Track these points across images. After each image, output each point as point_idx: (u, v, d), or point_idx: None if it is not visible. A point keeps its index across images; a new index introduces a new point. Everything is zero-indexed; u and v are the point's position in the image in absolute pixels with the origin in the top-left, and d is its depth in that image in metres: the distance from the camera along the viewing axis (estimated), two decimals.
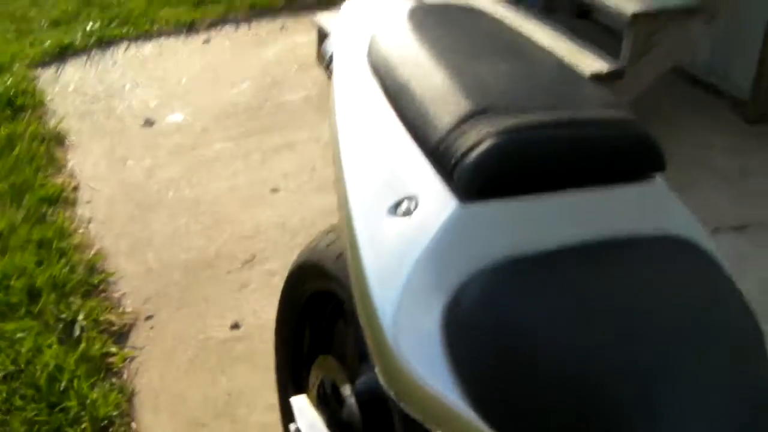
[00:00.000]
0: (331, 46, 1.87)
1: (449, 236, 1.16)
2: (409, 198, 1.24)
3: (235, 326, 3.01)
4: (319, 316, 2.13)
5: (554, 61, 1.47)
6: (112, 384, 2.79)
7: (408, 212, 1.22)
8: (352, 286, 1.29)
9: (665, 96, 4.18)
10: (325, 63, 1.88)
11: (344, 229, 1.34)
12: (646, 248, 1.22)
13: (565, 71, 1.44)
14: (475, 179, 1.17)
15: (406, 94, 1.37)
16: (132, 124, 4.33)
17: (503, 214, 1.18)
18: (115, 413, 2.69)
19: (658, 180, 1.28)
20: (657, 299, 1.14)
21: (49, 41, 5.16)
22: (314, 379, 2.05)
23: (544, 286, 1.14)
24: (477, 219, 1.17)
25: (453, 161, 1.20)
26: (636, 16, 3.58)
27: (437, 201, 1.20)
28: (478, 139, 1.19)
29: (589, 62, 3.62)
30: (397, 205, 1.24)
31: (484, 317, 1.12)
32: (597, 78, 3.52)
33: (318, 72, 4.74)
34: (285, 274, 3.16)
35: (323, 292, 2.02)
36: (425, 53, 1.44)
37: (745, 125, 4.11)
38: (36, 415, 2.65)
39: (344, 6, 1.90)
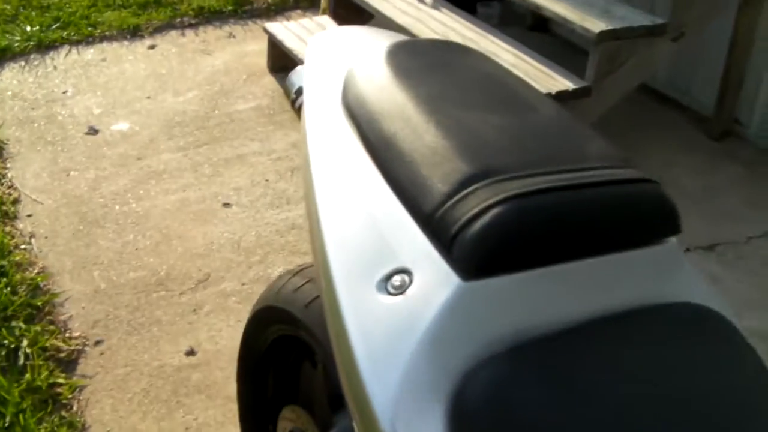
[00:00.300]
0: (299, 79, 1.72)
1: (450, 318, 1.03)
2: (402, 272, 1.09)
3: (191, 352, 2.85)
4: (283, 361, 1.99)
5: (552, 108, 1.34)
6: (61, 418, 2.61)
7: (401, 288, 1.07)
8: (338, 370, 1.15)
9: (627, 111, 4.10)
10: (292, 98, 1.74)
11: (325, 299, 1.19)
12: (665, 319, 1.10)
13: (565, 121, 1.31)
14: (478, 255, 1.04)
15: (392, 150, 1.22)
16: (75, 132, 4.13)
17: (509, 291, 1.05)
18: None
19: (672, 243, 1.16)
20: (686, 382, 1.02)
21: None
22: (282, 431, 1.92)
23: (558, 373, 1.01)
24: (481, 298, 1.04)
25: (451, 233, 1.06)
26: (602, 35, 3.49)
27: (435, 277, 1.06)
28: (480, 209, 1.06)
29: (554, 81, 3.52)
30: (388, 278, 1.09)
31: (493, 412, 0.99)
32: (563, 97, 3.43)
33: (268, 81, 4.60)
34: (241, 295, 3.06)
35: (288, 336, 1.88)
36: (410, 102, 1.30)
37: (708, 142, 4.06)
38: None
39: (314, 38, 1.76)
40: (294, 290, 1.76)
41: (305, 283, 1.76)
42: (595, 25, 3.53)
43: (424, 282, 1.06)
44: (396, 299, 1.07)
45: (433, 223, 1.09)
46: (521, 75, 3.52)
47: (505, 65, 3.38)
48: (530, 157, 1.16)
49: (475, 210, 1.06)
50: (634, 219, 1.13)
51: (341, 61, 1.54)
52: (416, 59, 1.46)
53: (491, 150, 1.17)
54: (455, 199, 1.09)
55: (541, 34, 4.72)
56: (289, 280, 1.81)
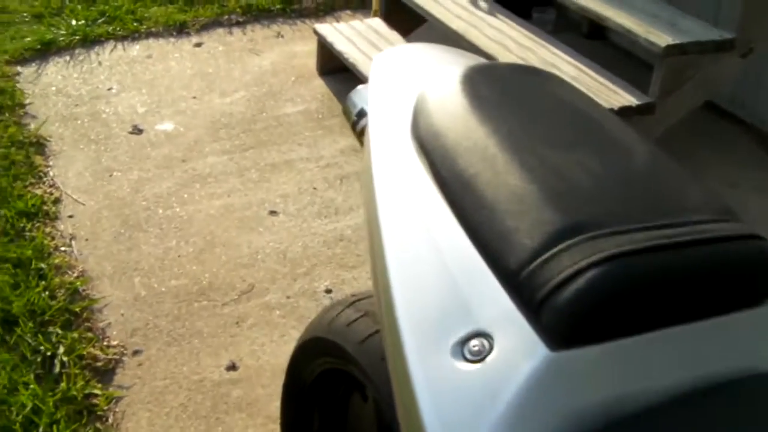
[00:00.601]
0: (361, 99, 1.60)
1: (535, 392, 0.91)
2: (481, 335, 0.97)
3: (232, 367, 2.74)
4: (331, 394, 1.87)
5: (648, 149, 1.20)
6: (96, 430, 2.52)
7: (480, 355, 0.96)
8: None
9: (687, 127, 3.95)
10: (353, 120, 1.61)
11: (391, 359, 1.08)
12: None
13: (663, 164, 1.18)
14: (570, 322, 0.92)
15: (471, 194, 1.10)
16: (119, 131, 4.04)
17: (602, 363, 0.94)
18: None
19: None
20: None
21: (30, 36, 4.86)
22: None
23: None
24: (570, 370, 0.92)
25: (540, 297, 0.94)
26: (668, 49, 3.34)
27: (519, 344, 0.94)
28: (573, 270, 0.94)
29: (617, 96, 3.38)
30: (465, 342, 0.98)
31: None
32: (626, 113, 3.28)
33: (318, 84, 4.49)
34: (285, 308, 2.94)
35: (338, 369, 1.76)
36: (491, 137, 1.17)
37: None
38: None
39: (379, 55, 1.63)
40: (347, 324, 1.65)
41: (360, 317, 1.64)
42: (661, 38, 3.39)
43: (506, 349, 0.94)
44: (474, 367, 0.95)
45: (519, 283, 0.97)
46: (582, 88, 3.40)
47: (566, 78, 3.26)
48: (627, 208, 1.04)
49: (568, 272, 0.94)
50: (741, 280, 1.01)
51: (410, 83, 1.41)
52: (495, 86, 1.32)
53: (584, 199, 1.04)
54: (545, 257, 0.97)
55: (598, 43, 4.57)
56: (342, 312, 1.69)
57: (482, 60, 1.58)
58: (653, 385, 0.94)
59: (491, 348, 0.95)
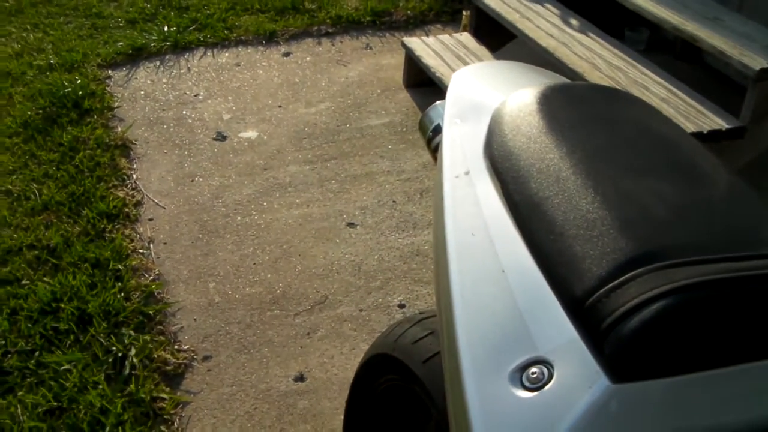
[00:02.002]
0: (437, 116, 1.56)
1: (594, 425, 0.86)
2: (541, 363, 0.93)
3: (300, 378, 2.72)
4: (394, 411, 1.83)
5: (728, 178, 1.15)
6: None
7: (538, 383, 0.91)
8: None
9: None
10: (428, 136, 1.58)
11: (448, 381, 1.05)
12: None
13: (743, 195, 1.12)
14: (634, 354, 0.88)
15: (540, 218, 1.06)
16: (203, 137, 4.07)
17: (666, 398, 0.88)
18: None
19: None
20: None
21: (122, 41, 4.94)
22: None
23: None
24: (632, 403, 0.87)
25: (605, 326, 0.90)
26: (763, 72, 3.23)
27: (580, 374, 0.89)
28: (640, 300, 0.90)
29: (706, 119, 3.28)
30: (524, 369, 0.93)
31: None
32: (715, 136, 3.19)
33: (403, 97, 4.46)
34: (357, 321, 2.91)
35: (401, 387, 1.72)
36: (565, 160, 1.12)
37: None
38: None
39: (458, 72, 1.59)
40: (413, 342, 1.61)
41: (426, 335, 1.60)
42: (755, 61, 3.28)
43: (566, 378, 0.90)
44: (532, 395, 0.91)
45: (583, 311, 0.92)
46: (671, 110, 3.32)
47: (655, 99, 3.19)
48: (702, 238, 0.98)
49: (635, 301, 0.89)
50: None
51: (487, 102, 1.36)
52: (573, 107, 1.28)
53: (657, 227, 0.99)
54: (612, 285, 0.92)
55: (692, 64, 4.46)
56: (408, 330, 1.66)
57: (563, 79, 1.54)
58: (719, 425, 0.88)
59: (551, 376, 0.91)
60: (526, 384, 0.92)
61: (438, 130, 1.54)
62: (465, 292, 1.06)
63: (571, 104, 1.30)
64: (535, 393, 0.91)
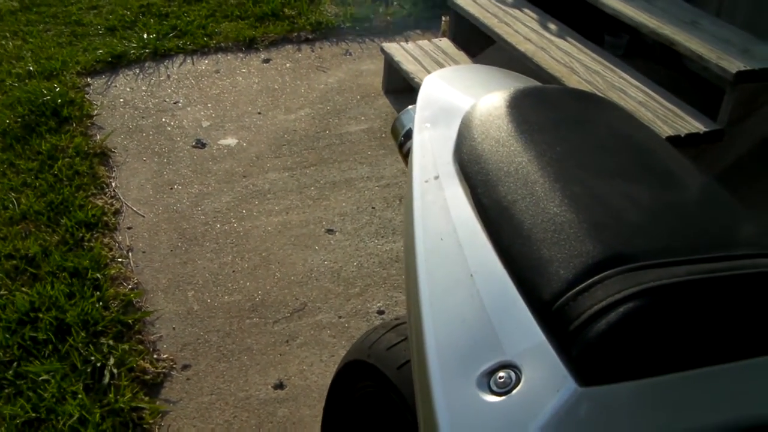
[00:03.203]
0: (409, 120, 1.56)
1: (561, 428, 0.86)
2: (508, 367, 0.93)
3: (279, 386, 2.72)
4: (371, 419, 1.83)
5: (700, 181, 1.15)
6: None
7: (506, 387, 0.91)
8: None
9: (756, 155, 3.83)
10: (399, 140, 1.58)
11: (417, 385, 1.04)
12: None
13: (714, 197, 1.12)
14: (601, 356, 0.88)
15: (508, 221, 1.06)
16: (182, 144, 4.06)
17: (634, 401, 0.88)
18: None
19: None
20: None
21: (102, 49, 4.93)
22: None
23: None
24: (599, 407, 0.87)
25: (572, 328, 0.90)
26: (740, 75, 3.25)
27: (547, 378, 0.89)
28: (607, 303, 0.90)
29: (684, 122, 3.29)
30: (492, 373, 0.93)
31: None
32: (693, 140, 3.20)
33: (383, 102, 4.46)
34: (336, 329, 2.91)
35: (377, 394, 1.72)
36: (534, 163, 1.12)
37: None
38: None
39: (429, 77, 1.59)
40: (387, 348, 1.61)
41: (400, 341, 1.60)
42: (733, 64, 3.30)
43: (533, 382, 0.90)
44: (499, 400, 0.91)
45: (551, 314, 0.92)
46: (649, 114, 3.33)
47: (633, 102, 3.20)
48: (671, 241, 0.99)
49: (602, 303, 0.89)
50: None
51: (457, 105, 1.36)
52: (543, 111, 1.28)
53: (626, 230, 0.99)
54: (579, 288, 0.92)
55: (671, 68, 4.47)
56: (383, 336, 1.66)
57: (535, 83, 1.54)
58: (687, 427, 0.89)
59: (518, 380, 0.91)
60: (494, 388, 0.92)
61: (409, 134, 1.54)
62: (433, 296, 1.06)
63: (542, 107, 1.30)
64: (503, 397, 0.91)
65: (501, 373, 0.92)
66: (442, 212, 1.17)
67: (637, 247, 0.97)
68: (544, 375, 0.90)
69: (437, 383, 0.96)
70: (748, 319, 0.93)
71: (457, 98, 1.42)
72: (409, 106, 1.60)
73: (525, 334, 0.94)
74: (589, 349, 0.88)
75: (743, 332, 0.93)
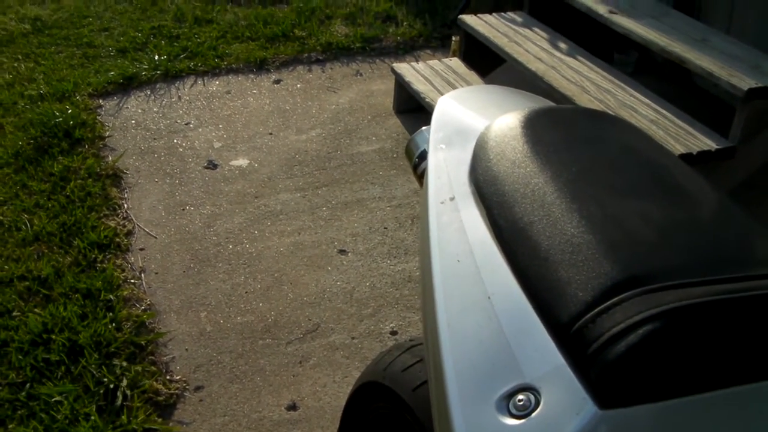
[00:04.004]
0: (423, 141, 1.55)
1: None
2: (527, 390, 0.92)
3: (292, 407, 2.71)
4: None
5: (717, 199, 1.14)
6: None
7: (525, 410, 0.90)
8: None
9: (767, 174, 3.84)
10: (414, 162, 1.58)
11: (435, 409, 1.04)
12: None
13: (731, 216, 1.11)
14: (621, 379, 0.87)
15: (525, 243, 1.05)
16: (194, 165, 4.07)
17: (655, 424, 0.87)
18: None
19: None
20: None
21: (113, 71, 4.94)
22: None
23: None
24: (621, 430, 0.86)
25: (591, 350, 0.89)
26: (751, 92, 3.24)
27: (567, 401, 0.88)
28: (627, 325, 0.89)
29: (695, 140, 3.29)
30: (511, 396, 0.92)
31: None
32: (705, 157, 3.19)
33: (393, 123, 4.47)
34: (349, 349, 2.90)
35: (392, 416, 1.71)
36: (550, 184, 1.12)
37: None
38: None
39: (443, 98, 1.59)
40: (402, 370, 1.60)
41: (415, 363, 1.59)
42: (744, 81, 3.29)
43: (553, 405, 0.89)
44: (519, 423, 0.90)
45: (569, 337, 0.92)
46: (660, 132, 3.32)
47: (644, 121, 3.19)
48: (689, 261, 0.98)
49: (622, 326, 0.88)
50: None
51: (472, 126, 1.36)
52: (558, 131, 1.27)
53: (644, 250, 0.99)
54: (598, 310, 0.91)
55: (681, 86, 4.47)
56: (398, 357, 1.65)
57: (549, 103, 1.54)
58: None
59: (538, 403, 0.90)
60: (513, 411, 0.91)
61: (424, 155, 1.53)
62: (451, 318, 1.05)
63: (556, 128, 1.30)
64: (523, 420, 0.90)
65: (520, 396, 0.92)
66: (459, 234, 1.16)
67: (655, 267, 0.96)
68: (564, 398, 0.89)
69: (456, 406, 0.96)
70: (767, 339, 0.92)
71: (472, 119, 1.42)
72: (423, 127, 1.60)
73: (544, 357, 0.94)
74: (608, 371, 0.87)
75: (763, 353, 0.92)
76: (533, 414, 0.90)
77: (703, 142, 3.29)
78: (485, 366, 0.97)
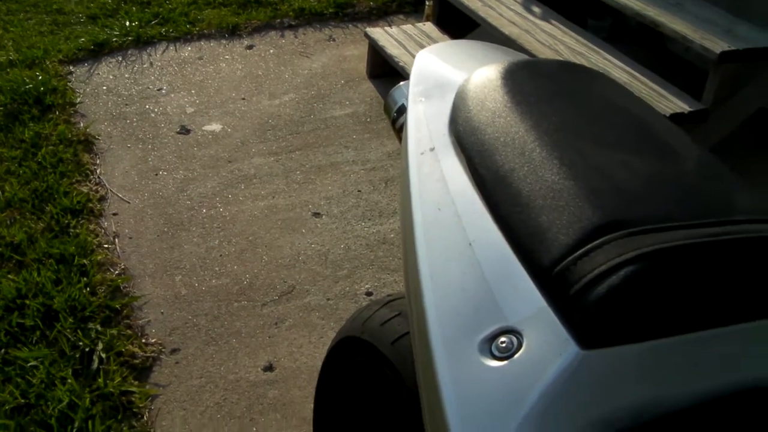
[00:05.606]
0: (401, 96, 1.56)
1: (564, 391, 0.86)
2: (510, 332, 0.93)
3: (269, 368, 2.72)
4: (365, 395, 1.83)
5: (694, 150, 1.15)
6: (130, 426, 2.50)
7: (508, 352, 0.91)
8: None
9: (741, 134, 3.85)
10: (392, 116, 1.58)
11: (418, 355, 1.04)
12: None
13: (709, 165, 1.13)
14: (603, 319, 0.88)
15: (506, 190, 1.06)
16: (166, 131, 4.04)
17: (636, 363, 0.88)
18: None
19: None
20: None
21: (84, 37, 4.90)
22: None
23: None
24: (602, 369, 0.87)
25: (573, 292, 0.90)
26: (723, 56, 3.26)
27: (549, 342, 0.89)
28: (608, 266, 0.90)
29: (669, 103, 3.30)
30: (493, 339, 0.93)
31: None
32: (678, 120, 3.21)
33: (367, 87, 4.46)
34: (325, 310, 2.91)
35: (372, 370, 1.72)
36: (530, 133, 1.12)
37: None
38: None
39: (421, 52, 1.59)
40: (381, 324, 1.60)
41: (394, 316, 1.60)
42: (717, 45, 3.31)
43: (535, 346, 0.90)
44: (501, 364, 0.91)
45: (551, 279, 0.92)
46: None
47: None
48: (669, 207, 0.99)
49: (603, 267, 0.89)
50: None
51: (451, 79, 1.36)
52: (538, 82, 1.28)
53: (624, 197, 0.99)
54: (579, 252, 0.92)
55: (654, 50, 4.48)
56: (377, 312, 1.65)
57: (527, 57, 1.54)
58: (689, 389, 0.89)
59: (520, 345, 0.91)
60: (496, 353, 0.92)
61: (402, 110, 1.54)
62: (433, 266, 1.06)
63: (537, 79, 1.30)
64: (505, 362, 0.91)
65: (502, 339, 0.93)
66: (439, 183, 1.16)
67: (637, 212, 0.97)
68: (546, 339, 0.90)
69: (439, 351, 0.96)
70: (748, 283, 0.93)
71: (451, 72, 1.42)
72: (401, 82, 1.60)
73: (526, 300, 0.95)
74: (590, 312, 0.88)
75: (743, 296, 0.93)
76: (516, 355, 0.90)
77: (676, 104, 3.30)
78: (467, 311, 0.98)
